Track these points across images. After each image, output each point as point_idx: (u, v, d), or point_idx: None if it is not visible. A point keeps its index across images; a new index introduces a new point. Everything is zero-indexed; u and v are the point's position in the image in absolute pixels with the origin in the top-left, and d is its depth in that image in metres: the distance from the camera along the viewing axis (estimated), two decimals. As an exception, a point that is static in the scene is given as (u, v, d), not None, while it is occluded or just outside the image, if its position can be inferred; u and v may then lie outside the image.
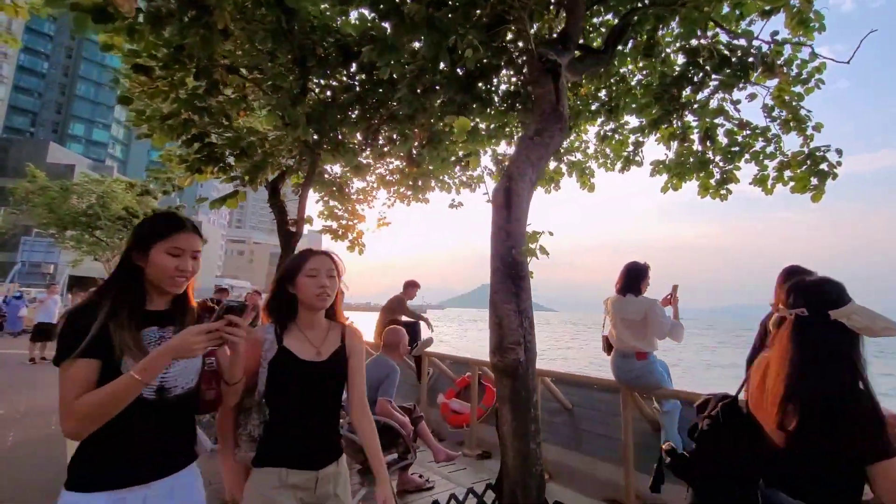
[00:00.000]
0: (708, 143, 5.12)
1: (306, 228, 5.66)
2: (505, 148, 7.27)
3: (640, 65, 5.23)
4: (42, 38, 71.57)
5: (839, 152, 3.99)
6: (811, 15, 3.63)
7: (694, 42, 4.40)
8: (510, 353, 2.29)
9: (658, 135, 5.25)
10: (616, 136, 6.05)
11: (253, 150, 4.81)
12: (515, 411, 2.27)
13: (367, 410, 1.70)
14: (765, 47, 4.17)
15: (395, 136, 6.12)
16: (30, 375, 8.04)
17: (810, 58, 4.11)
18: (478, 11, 3.41)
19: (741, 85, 4.39)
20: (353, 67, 5.37)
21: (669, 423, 3.15)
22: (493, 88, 5.46)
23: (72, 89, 73.17)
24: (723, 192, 5.37)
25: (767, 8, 3.74)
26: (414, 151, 7.00)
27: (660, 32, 4.52)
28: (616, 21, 4.32)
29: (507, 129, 6.88)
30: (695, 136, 5.23)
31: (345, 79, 5.51)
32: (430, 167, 7.17)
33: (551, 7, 4.25)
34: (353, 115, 5.36)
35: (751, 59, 4.14)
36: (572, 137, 6.29)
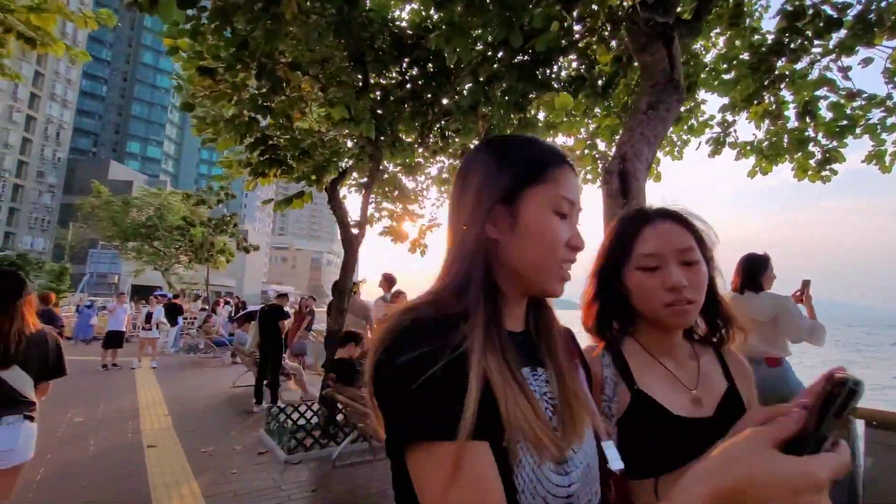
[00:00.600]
0: (807, 119, 4.56)
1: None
2: (563, 139, 6.92)
3: (724, 35, 4.75)
4: (101, 64, 76.84)
5: None
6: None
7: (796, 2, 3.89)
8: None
9: (747, 113, 4.73)
10: (693, 118, 5.56)
11: (314, 150, 4.69)
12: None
13: None
14: (884, 3, 3.62)
15: (447, 133, 5.89)
16: (103, 382, 8.36)
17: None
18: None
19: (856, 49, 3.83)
20: (406, 63, 5.20)
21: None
22: (554, 75, 5.14)
23: (127, 110, 78.19)
24: (825, 173, 4.78)
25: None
26: (471, 146, 6.77)
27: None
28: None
29: (567, 120, 6.52)
30: (790, 112, 4.68)
31: (397, 75, 5.33)
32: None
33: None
34: (407, 112, 5.17)
35: (871, 17, 3.60)
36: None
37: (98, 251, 30.47)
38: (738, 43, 4.41)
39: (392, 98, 4.86)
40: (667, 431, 0.84)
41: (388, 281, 6.43)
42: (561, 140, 6.88)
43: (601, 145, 6.77)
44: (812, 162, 4.70)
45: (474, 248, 0.62)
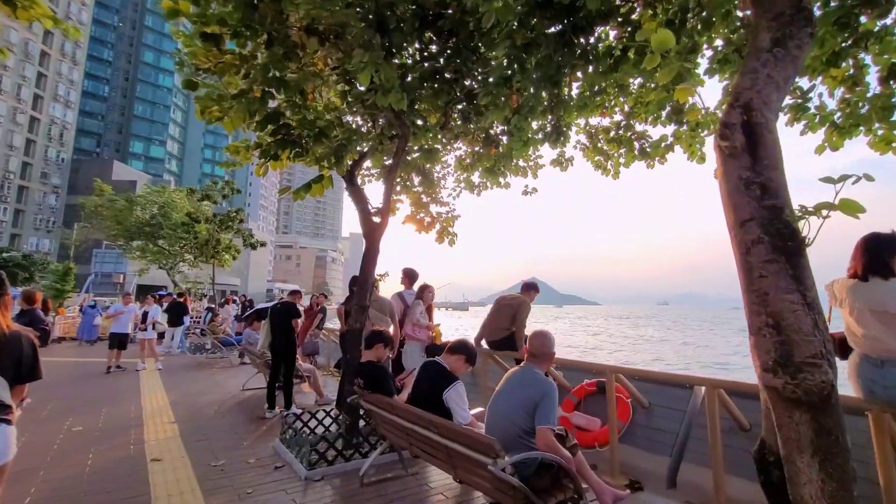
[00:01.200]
0: (892, 84, 4.00)
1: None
2: (599, 120, 6.40)
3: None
4: (102, 64, 76.61)
5: None
6: None
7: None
8: (810, 371, 1.45)
9: (822, 78, 4.18)
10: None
11: (331, 130, 4.20)
12: (828, 466, 1.42)
13: None
14: None
15: (470, 115, 5.37)
16: (106, 386, 7.93)
17: None
18: None
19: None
20: (427, 38, 4.70)
21: None
22: (591, 46, 4.63)
23: (130, 110, 77.97)
24: (910, 144, 4.23)
25: None
26: (492, 130, 6.26)
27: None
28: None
29: (599, 99, 6.01)
30: (870, 78, 4.13)
31: (418, 51, 4.83)
32: (512, 149, 6.40)
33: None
34: (429, 90, 4.67)
35: None
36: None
37: (102, 251, 30.17)
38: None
39: (412, 76, 4.36)
40: None
41: (409, 276, 5.94)
42: (595, 121, 6.36)
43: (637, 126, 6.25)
44: (896, 133, 4.16)
45: None
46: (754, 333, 1.61)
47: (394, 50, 4.17)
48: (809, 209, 1.62)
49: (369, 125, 4.56)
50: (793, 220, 1.63)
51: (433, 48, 4.88)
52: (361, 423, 4.56)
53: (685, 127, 5.66)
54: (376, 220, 4.58)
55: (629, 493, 2.97)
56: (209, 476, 3.80)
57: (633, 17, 4.60)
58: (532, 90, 4.88)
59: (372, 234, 4.49)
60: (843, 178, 1.49)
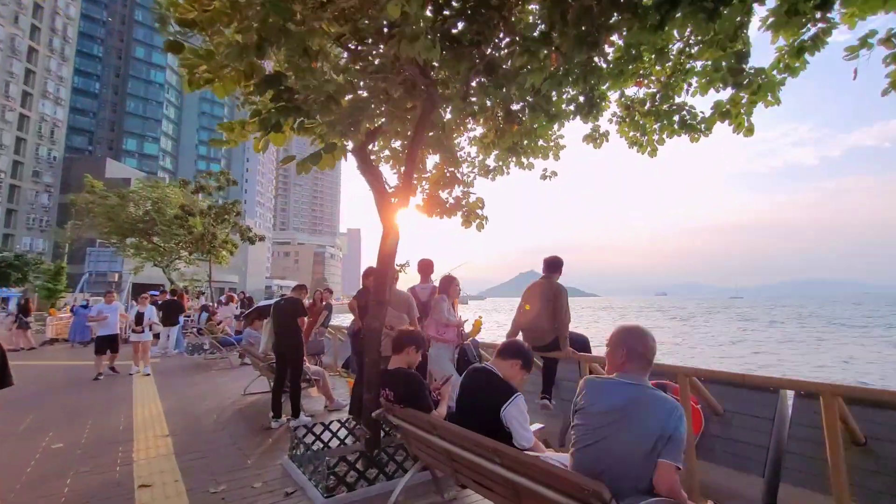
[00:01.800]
0: None
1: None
2: (635, 90, 5.77)
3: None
4: (92, 60, 75.16)
5: None
6: None
7: None
8: None
9: None
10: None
11: (342, 94, 3.55)
12: None
13: None
14: None
15: (490, 88, 4.73)
16: (95, 393, 7.32)
17: None
18: None
19: None
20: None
21: None
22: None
23: (122, 107, 76.61)
24: None
25: None
26: (514, 105, 5.61)
27: None
28: None
29: (632, 67, 5.36)
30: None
31: (432, 13, 4.18)
32: (535, 125, 5.78)
33: None
34: (447, 56, 4.01)
35: None
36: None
37: (96, 249, 29.41)
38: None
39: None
40: None
41: (425, 269, 5.32)
42: (630, 92, 5.72)
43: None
44: None
45: None
46: None
47: None
48: None
49: (383, 96, 3.91)
50: None
51: (453, 4, 4.22)
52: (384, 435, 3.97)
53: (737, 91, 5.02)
54: (395, 200, 3.94)
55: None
56: (207, 506, 3.19)
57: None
58: (568, 51, 4.23)
59: (391, 217, 3.85)
60: None
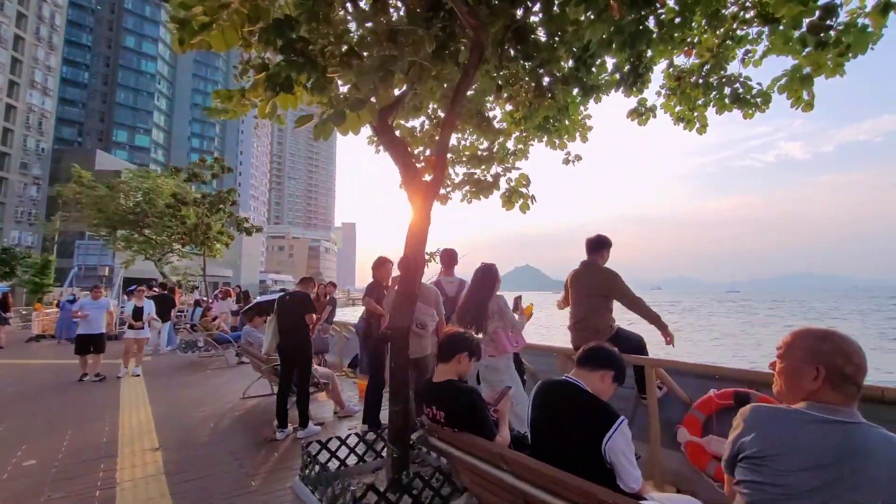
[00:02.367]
0: None
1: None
2: (684, 60, 5.19)
3: None
4: (81, 49, 73.35)
5: None
6: None
7: None
8: None
9: None
10: None
11: (369, 48, 2.92)
12: None
13: None
14: None
15: (520, 56, 4.13)
16: (78, 397, 6.68)
17: None
18: None
19: None
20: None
21: None
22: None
23: (112, 97, 74.90)
24: None
25: None
26: (545, 78, 4.99)
27: None
28: None
29: (679, 35, 4.79)
30: None
31: None
32: (569, 100, 5.19)
33: None
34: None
35: None
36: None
37: (86, 242, 28.44)
38: None
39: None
40: None
41: (451, 259, 4.73)
42: (679, 60, 5.12)
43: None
44: None
45: None
46: None
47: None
48: None
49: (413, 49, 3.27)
50: None
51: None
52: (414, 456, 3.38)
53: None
54: (427, 177, 3.33)
55: None
56: (205, 547, 2.60)
57: None
58: (622, 8, 3.65)
59: (422, 196, 3.24)
60: None
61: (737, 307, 69.33)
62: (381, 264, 4.89)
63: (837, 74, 4.28)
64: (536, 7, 3.85)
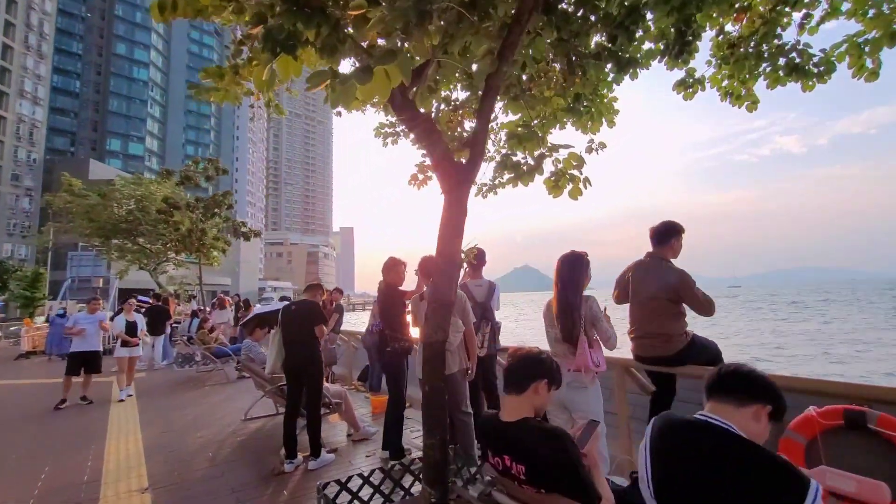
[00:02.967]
0: None
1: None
2: (734, 28, 4.63)
3: None
4: (72, 58, 72.59)
5: None
6: None
7: None
8: None
9: None
10: None
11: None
12: None
13: None
14: None
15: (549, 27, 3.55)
16: (61, 423, 6.07)
17: None
18: None
19: None
20: None
21: None
22: None
23: (104, 106, 74.09)
24: None
25: None
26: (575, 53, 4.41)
27: None
28: None
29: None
30: None
31: None
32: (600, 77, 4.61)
33: None
34: None
35: None
36: None
37: (79, 253, 27.79)
38: None
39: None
40: None
41: (479, 258, 4.14)
42: (729, 27, 4.56)
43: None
44: None
45: None
46: None
47: None
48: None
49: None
50: None
51: None
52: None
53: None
54: (462, 160, 2.74)
55: None
56: None
57: None
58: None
59: (457, 181, 2.64)
60: None
61: (745, 303, 66.87)
62: (393, 266, 4.25)
63: None
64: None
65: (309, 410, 4.07)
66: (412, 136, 4.29)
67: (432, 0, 2.15)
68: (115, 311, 13.09)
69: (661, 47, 4.26)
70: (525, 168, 3.30)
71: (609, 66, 4.36)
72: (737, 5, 4.42)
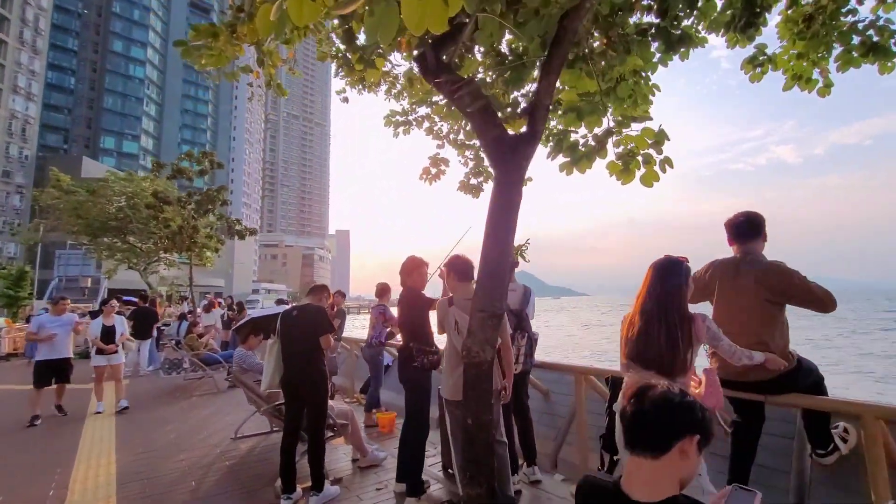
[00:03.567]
0: None
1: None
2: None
3: None
4: (67, 54, 71.65)
5: None
6: None
7: None
8: None
9: None
10: None
11: None
12: None
13: None
14: None
15: None
16: (25, 442, 5.44)
17: None
18: None
19: None
20: None
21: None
22: None
23: (99, 103, 73.08)
24: None
25: None
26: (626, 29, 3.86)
27: None
28: None
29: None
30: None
31: None
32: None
33: None
34: None
35: None
36: None
37: (66, 252, 26.91)
38: None
39: None
40: None
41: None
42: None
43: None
44: None
45: None
46: None
47: None
48: None
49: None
50: None
51: None
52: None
53: None
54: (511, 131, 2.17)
55: None
56: None
57: None
58: None
59: (513, 162, 2.07)
60: None
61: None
62: (416, 268, 3.61)
63: None
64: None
65: (311, 435, 3.46)
66: (438, 116, 3.73)
67: None
68: (92, 313, 12.38)
69: (728, 17, 3.73)
70: (584, 149, 2.73)
71: (655, 45, 3.79)
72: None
